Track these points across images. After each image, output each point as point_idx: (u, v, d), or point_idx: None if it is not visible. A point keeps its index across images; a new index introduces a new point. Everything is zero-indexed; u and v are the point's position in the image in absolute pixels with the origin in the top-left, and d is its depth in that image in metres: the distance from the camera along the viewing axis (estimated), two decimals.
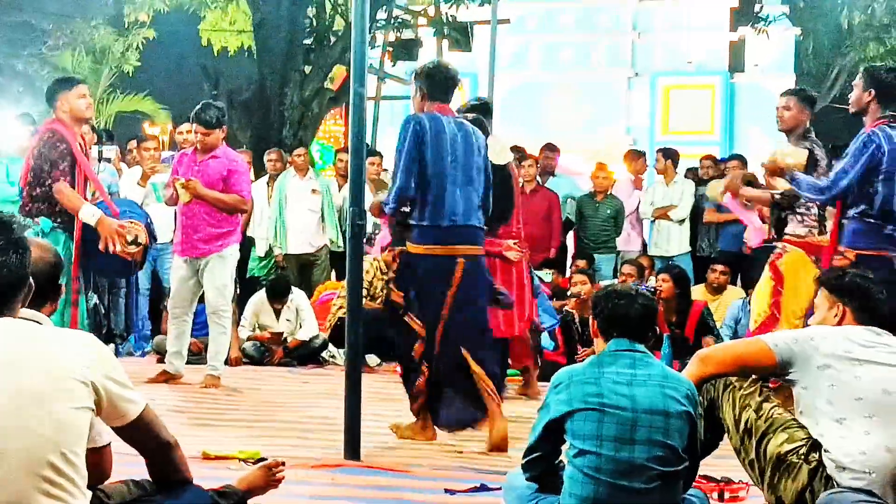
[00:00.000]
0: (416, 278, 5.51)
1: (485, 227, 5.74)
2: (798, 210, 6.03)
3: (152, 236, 6.54)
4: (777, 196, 6.05)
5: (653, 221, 10.75)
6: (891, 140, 5.58)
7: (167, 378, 7.34)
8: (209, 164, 7.23)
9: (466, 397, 5.53)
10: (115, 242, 6.14)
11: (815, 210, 6.01)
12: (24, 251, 2.71)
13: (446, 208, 5.47)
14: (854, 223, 5.65)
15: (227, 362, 8.56)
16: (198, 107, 7.36)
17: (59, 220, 6.21)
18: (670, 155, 10.79)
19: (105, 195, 6.53)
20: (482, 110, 6.75)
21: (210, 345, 7.44)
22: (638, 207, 10.84)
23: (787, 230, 6.07)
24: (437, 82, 5.60)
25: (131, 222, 6.36)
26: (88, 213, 6.13)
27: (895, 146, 5.58)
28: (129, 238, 6.23)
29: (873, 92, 5.67)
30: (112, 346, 8.72)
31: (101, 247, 6.14)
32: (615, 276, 9.73)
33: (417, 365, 5.50)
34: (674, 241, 10.50)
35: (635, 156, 11.45)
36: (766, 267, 6.08)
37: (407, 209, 5.54)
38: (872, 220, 5.60)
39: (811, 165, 5.93)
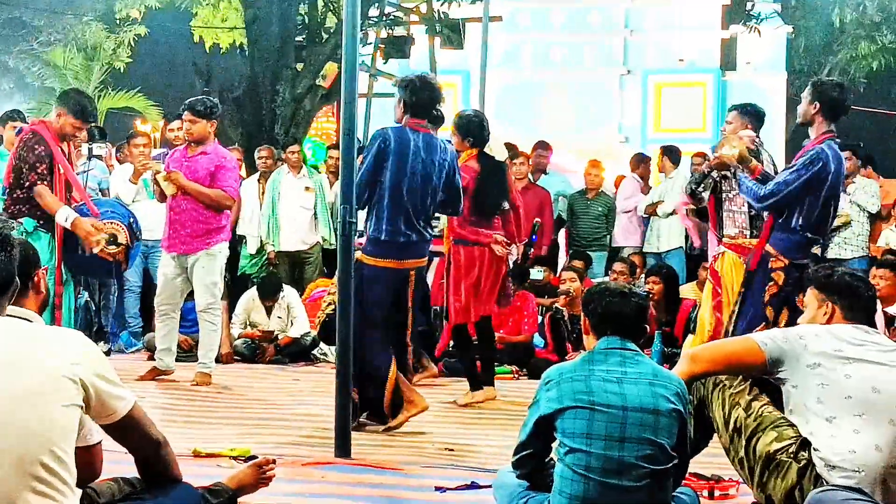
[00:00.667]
0: (368, 288, 5.65)
1: (430, 238, 6.04)
2: (731, 209, 6.08)
3: (134, 235, 6.54)
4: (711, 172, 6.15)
5: (645, 219, 10.75)
6: (837, 158, 5.69)
7: (157, 375, 7.31)
8: (198, 160, 7.20)
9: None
10: (91, 244, 6.16)
11: (745, 210, 6.06)
12: (11, 249, 2.71)
13: (402, 226, 5.70)
14: (787, 233, 5.75)
15: (218, 359, 8.57)
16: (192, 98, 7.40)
17: (41, 220, 6.24)
18: (668, 152, 10.80)
19: (85, 197, 6.51)
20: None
21: (201, 342, 7.42)
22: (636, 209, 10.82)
23: (723, 232, 6.13)
24: (421, 100, 5.78)
25: (111, 223, 6.37)
26: (62, 217, 6.20)
27: (840, 165, 5.71)
28: (106, 238, 6.24)
29: (818, 105, 5.73)
30: (103, 343, 8.70)
31: (79, 249, 6.17)
32: (607, 274, 9.73)
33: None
34: (664, 238, 10.50)
35: (642, 159, 11.41)
36: (707, 268, 6.27)
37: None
38: (802, 234, 5.73)
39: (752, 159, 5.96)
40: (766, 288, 5.75)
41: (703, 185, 6.18)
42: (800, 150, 5.88)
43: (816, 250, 5.94)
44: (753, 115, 6.21)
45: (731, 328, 5.78)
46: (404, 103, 5.78)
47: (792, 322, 5.11)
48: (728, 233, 6.09)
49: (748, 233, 6.02)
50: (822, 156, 5.63)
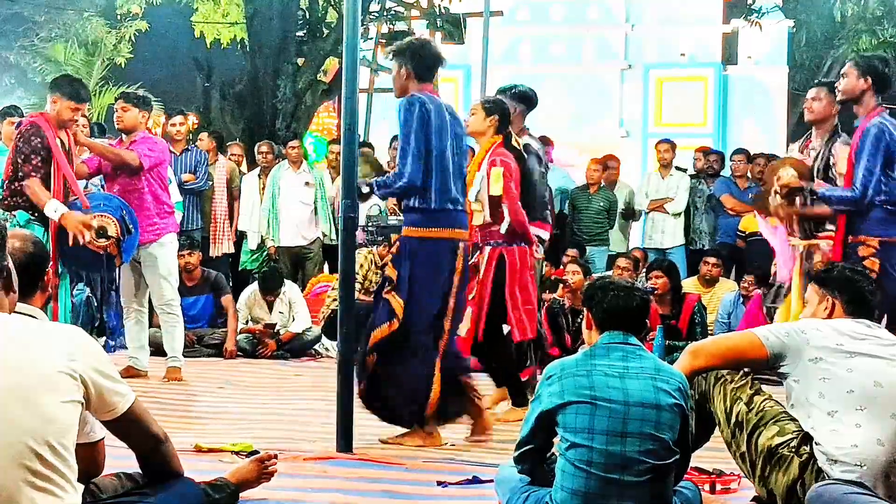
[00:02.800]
0: (419, 262, 5.20)
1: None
2: None
3: (127, 228, 6.52)
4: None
5: (646, 214, 10.75)
6: (895, 126, 5.60)
7: (131, 375, 6.95)
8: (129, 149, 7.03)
9: (454, 391, 5.31)
10: (81, 235, 6.15)
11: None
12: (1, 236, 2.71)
13: (451, 193, 5.26)
14: (875, 211, 5.58)
15: (222, 354, 8.58)
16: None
17: (35, 213, 6.25)
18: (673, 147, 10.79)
19: (78, 191, 6.48)
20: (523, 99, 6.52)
21: (164, 338, 7.25)
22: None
23: (821, 229, 5.90)
24: (425, 61, 5.31)
25: (101, 215, 6.37)
26: (51, 209, 6.19)
27: None
28: (95, 229, 6.23)
29: (870, 80, 5.64)
30: (104, 338, 8.70)
31: (69, 242, 6.16)
32: (609, 269, 9.74)
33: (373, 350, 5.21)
34: (668, 234, 10.50)
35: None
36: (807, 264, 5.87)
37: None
38: (892, 207, 5.57)
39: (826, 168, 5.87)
40: None
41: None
42: (855, 131, 5.69)
43: None
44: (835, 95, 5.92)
45: None
46: (407, 71, 5.28)
47: None
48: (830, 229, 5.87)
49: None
50: (885, 128, 5.53)
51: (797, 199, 5.87)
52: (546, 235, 6.77)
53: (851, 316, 3.78)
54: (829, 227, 5.85)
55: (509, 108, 6.30)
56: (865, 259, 5.52)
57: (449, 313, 5.27)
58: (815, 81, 6.38)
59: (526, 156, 6.31)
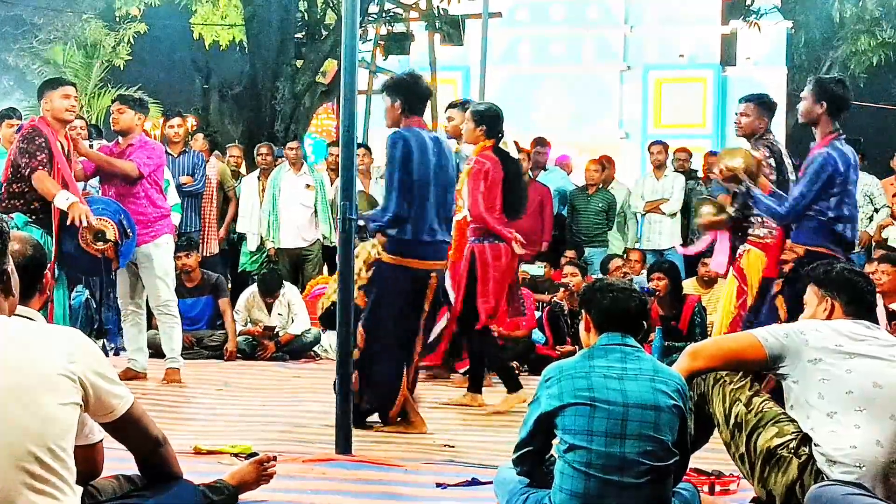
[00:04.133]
0: (389, 289, 5.60)
1: (450, 241, 5.97)
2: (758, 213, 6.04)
3: (125, 233, 6.53)
4: (733, 212, 6.07)
5: (643, 215, 10.75)
6: (844, 157, 5.66)
7: (130, 377, 6.98)
8: (126, 152, 7.07)
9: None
10: (80, 221, 6.16)
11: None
12: (2, 234, 2.71)
13: (427, 224, 5.62)
14: (809, 220, 5.71)
15: (222, 356, 8.58)
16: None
17: (34, 216, 6.26)
18: (666, 148, 10.80)
19: (77, 193, 6.48)
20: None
21: (163, 339, 7.27)
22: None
23: (749, 232, 6.04)
24: (418, 96, 5.72)
25: (100, 219, 6.38)
26: (62, 199, 6.21)
27: (848, 162, 5.67)
28: (95, 232, 6.25)
29: (825, 105, 5.70)
30: (103, 341, 8.70)
31: (67, 221, 6.19)
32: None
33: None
34: (665, 235, 10.51)
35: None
36: (731, 270, 6.10)
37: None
38: (824, 218, 5.67)
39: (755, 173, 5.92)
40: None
41: (738, 203, 6.07)
42: (807, 152, 5.82)
43: None
44: (767, 108, 6.16)
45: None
46: (401, 104, 5.71)
47: None
48: (757, 233, 5.99)
49: (776, 232, 5.94)
50: (831, 161, 5.61)
51: (732, 188, 6.00)
52: None
53: (851, 317, 3.78)
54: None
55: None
56: (787, 264, 5.69)
57: (420, 335, 5.76)
58: (743, 97, 6.37)
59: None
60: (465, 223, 6.53)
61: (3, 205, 6.32)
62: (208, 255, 9.88)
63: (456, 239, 6.47)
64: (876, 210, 9.81)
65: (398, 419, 5.71)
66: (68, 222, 6.21)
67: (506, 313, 6.67)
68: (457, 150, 7.77)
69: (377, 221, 5.65)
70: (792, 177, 6.04)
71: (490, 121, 6.54)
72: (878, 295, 4.69)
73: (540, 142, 10.93)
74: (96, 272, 6.68)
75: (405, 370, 5.68)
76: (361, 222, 5.58)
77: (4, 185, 6.38)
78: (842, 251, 5.69)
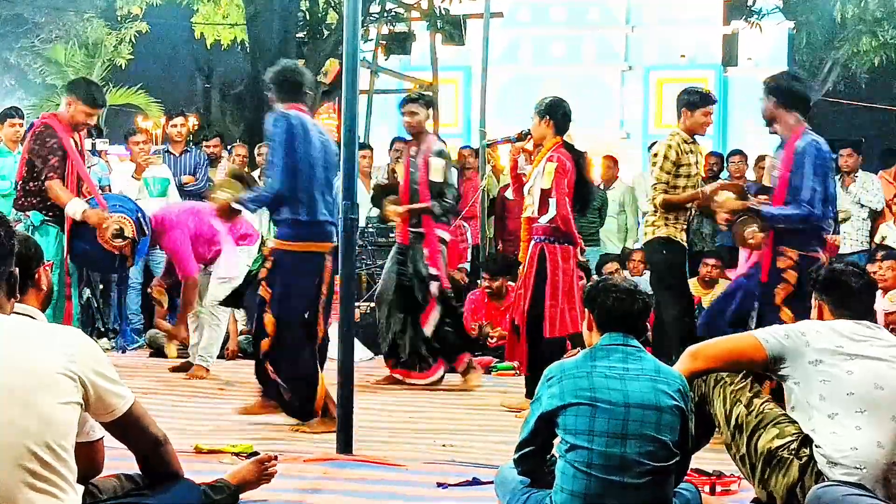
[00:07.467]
0: (288, 275, 5.59)
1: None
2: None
3: (142, 230, 6.58)
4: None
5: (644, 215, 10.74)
6: (825, 147, 5.61)
7: (199, 376, 7.37)
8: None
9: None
10: (102, 232, 6.22)
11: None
12: (8, 226, 2.71)
13: (319, 204, 5.62)
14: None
15: (223, 355, 8.59)
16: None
17: (50, 213, 6.28)
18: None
19: (95, 191, 6.58)
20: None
21: (204, 335, 7.49)
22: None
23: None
24: (287, 86, 5.72)
25: (119, 216, 6.42)
26: (72, 209, 6.25)
27: (829, 153, 5.64)
28: (114, 230, 6.28)
29: (773, 98, 5.65)
30: (105, 340, 8.71)
31: (98, 237, 6.23)
32: (599, 270, 9.74)
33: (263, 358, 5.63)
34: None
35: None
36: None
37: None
38: (816, 223, 5.60)
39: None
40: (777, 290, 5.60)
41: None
42: (784, 149, 5.67)
43: None
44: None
45: None
46: (276, 95, 5.72)
47: None
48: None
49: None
50: (818, 146, 5.55)
51: (747, 217, 5.77)
52: (448, 237, 7.39)
53: (839, 317, 3.77)
54: None
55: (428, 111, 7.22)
56: (784, 271, 5.57)
57: (319, 319, 5.71)
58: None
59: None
60: (533, 221, 6.40)
61: (20, 203, 6.35)
62: None
63: (525, 240, 6.48)
64: (876, 211, 9.79)
65: (321, 415, 5.62)
66: (98, 240, 6.31)
67: (575, 320, 6.37)
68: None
69: (257, 200, 5.69)
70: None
71: (559, 116, 6.48)
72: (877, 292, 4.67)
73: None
74: (111, 269, 6.76)
75: (317, 360, 5.67)
76: (239, 206, 5.73)
77: (20, 183, 6.40)
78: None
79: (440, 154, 7.21)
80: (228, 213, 5.84)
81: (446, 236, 7.42)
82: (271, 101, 5.77)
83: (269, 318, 5.55)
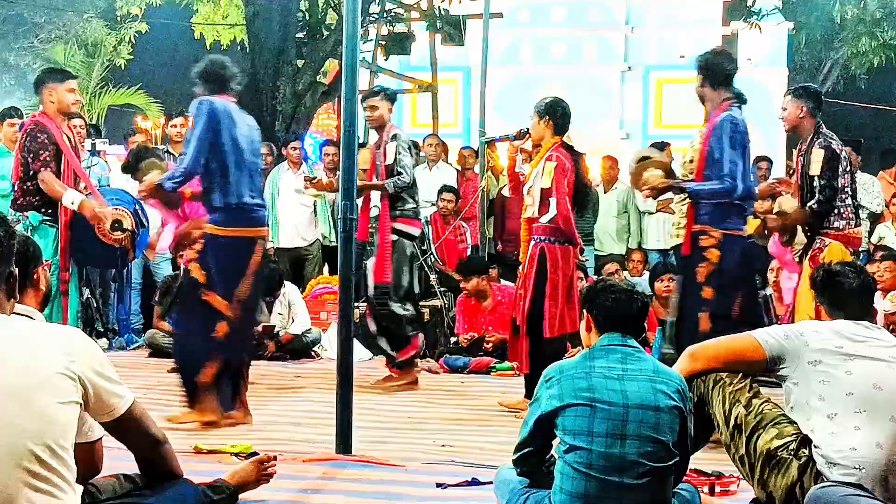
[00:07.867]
0: (220, 260, 5.68)
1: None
2: (836, 203, 5.87)
3: (140, 223, 6.56)
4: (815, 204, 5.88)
5: (652, 214, 10.72)
6: (742, 121, 5.68)
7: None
8: None
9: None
10: (99, 223, 6.21)
11: (849, 201, 5.92)
12: (8, 226, 2.71)
13: (246, 189, 5.74)
14: (721, 204, 5.66)
15: None
16: None
17: (48, 213, 6.26)
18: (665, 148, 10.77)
19: (91, 186, 6.55)
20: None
21: None
22: None
23: (826, 225, 5.88)
24: (212, 78, 5.89)
25: (116, 209, 6.40)
26: (69, 199, 6.24)
27: (745, 127, 5.69)
28: (112, 221, 6.28)
29: (702, 77, 5.80)
30: (104, 340, 8.71)
31: (97, 231, 6.21)
32: (598, 270, 9.75)
33: (217, 346, 5.66)
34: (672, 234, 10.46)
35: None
36: (807, 263, 5.89)
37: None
38: (741, 195, 5.65)
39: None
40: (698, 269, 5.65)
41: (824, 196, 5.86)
42: (707, 123, 5.80)
43: None
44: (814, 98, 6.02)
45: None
46: (202, 86, 5.89)
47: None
48: (835, 225, 5.88)
49: (853, 222, 5.89)
50: (737, 121, 5.63)
51: (669, 195, 5.98)
52: (416, 232, 7.37)
53: (835, 317, 3.77)
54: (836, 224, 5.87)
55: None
56: (707, 250, 5.62)
57: (236, 306, 5.71)
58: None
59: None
60: (533, 221, 6.39)
61: (18, 203, 6.33)
62: None
63: (525, 240, 6.47)
64: (875, 212, 9.78)
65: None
66: (97, 235, 6.29)
67: (574, 320, 6.34)
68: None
69: (172, 179, 5.74)
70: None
71: (558, 116, 6.49)
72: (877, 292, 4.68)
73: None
74: (112, 263, 6.73)
75: (233, 344, 5.70)
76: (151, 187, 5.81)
77: (17, 183, 6.38)
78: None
79: (394, 138, 7.25)
80: (157, 193, 5.90)
81: (414, 231, 7.38)
82: (198, 94, 5.88)
83: (219, 302, 5.64)
